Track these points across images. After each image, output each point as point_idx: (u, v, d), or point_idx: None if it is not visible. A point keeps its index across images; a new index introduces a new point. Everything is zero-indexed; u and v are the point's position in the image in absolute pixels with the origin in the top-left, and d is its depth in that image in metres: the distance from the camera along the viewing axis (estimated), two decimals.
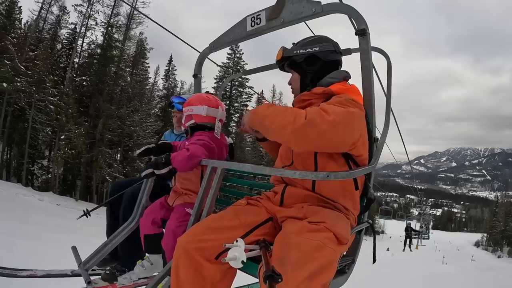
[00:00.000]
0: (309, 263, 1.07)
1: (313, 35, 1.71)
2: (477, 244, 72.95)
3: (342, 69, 1.66)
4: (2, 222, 6.74)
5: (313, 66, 1.59)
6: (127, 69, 26.54)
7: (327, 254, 1.13)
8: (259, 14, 1.87)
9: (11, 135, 19.73)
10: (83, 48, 25.10)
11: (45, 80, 19.16)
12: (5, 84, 17.10)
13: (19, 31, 20.04)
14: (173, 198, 2.11)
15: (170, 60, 32.48)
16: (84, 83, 23.85)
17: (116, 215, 2.29)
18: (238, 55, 31.98)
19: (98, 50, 24.77)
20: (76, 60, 25.18)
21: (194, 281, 1.24)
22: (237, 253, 1.07)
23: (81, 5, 24.37)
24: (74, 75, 24.31)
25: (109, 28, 24.97)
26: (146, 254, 2.07)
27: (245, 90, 31.89)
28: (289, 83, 1.70)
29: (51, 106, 19.27)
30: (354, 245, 1.58)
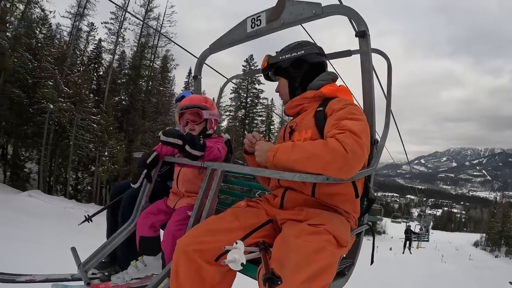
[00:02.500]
0: (309, 265, 1.06)
1: (296, 41, 1.70)
2: (476, 244, 73.37)
3: (329, 70, 1.66)
4: (67, 237, 6.77)
5: (300, 69, 1.60)
6: (160, 88, 27.64)
7: (327, 257, 1.13)
8: (259, 16, 1.86)
9: (54, 151, 20.42)
10: (114, 66, 25.73)
11: (86, 99, 19.94)
12: (51, 106, 17.80)
13: (53, 50, 20.48)
14: (174, 200, 2.10)
15: (190, 72, 32.59)
16: (124, 102, 24.90)
17: (116, 216, 2.29)
18: (253, 68, 31.98)
19: (127, 71, 25.89)
20: (100, 73, 26.01)
21: (193, 283, 1.24)
22: (237, 255, 1.07)
23: (111, 23, 24.97)
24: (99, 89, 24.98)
25: (141, 48, 26.04)
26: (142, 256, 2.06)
27: (259, 100, 32.52)
28: (277, 91, 1.70)
29: (94, 125, 20.10)
30: (354, 247, 1.58)
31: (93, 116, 20.06)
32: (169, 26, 26.75)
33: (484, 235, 71.36)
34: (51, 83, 18.07)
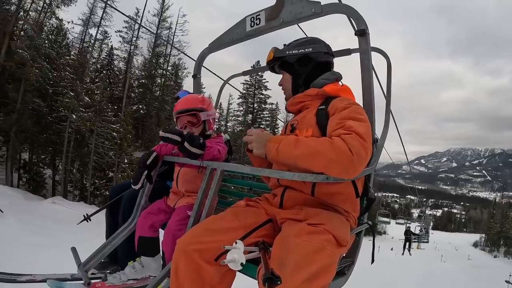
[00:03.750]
0: (308, 265, 1.06)
1: (305, 36, 1.70)
2: (475, 245, 73.72)
3: (334, 70, 1.65)
4: (96, 242, 6.89)
5: (306, 67, 1.58)
6: (175, 97, 28.30)
7: (327, 256, 1.12)
8: (259, 15, 1.86)
9: (73, 160, 21.19)
10: (129, 74, 26.29)
11: (105, 108, 20.68)
12: (74, 116, 18.60)
13: (68, 58, 21.03)
14: (174, 200, 2.10)
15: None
16: (141, 111, 25.60)
17: (115, 216, 2.28)
18: (259, 74, 32.48)
19: (144, 80, 26.51)
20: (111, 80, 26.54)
21: (193, 282, 1.23)
22: (236, 255, 1.07)
23: (125, 32, 25.63)
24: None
25: (155, 58, 26.93)
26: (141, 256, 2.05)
27: (266, 106, 33.21)
28: (280, 84, 1.68)
29: (114, 133, 20.76)
30: (353, 247, 1.57)
31: (112, 124, 20.75)
32: (182, 35, 27.67)
33: (483, 235, 71.61)
34: (72, 93, 18.68)
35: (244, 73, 2.55)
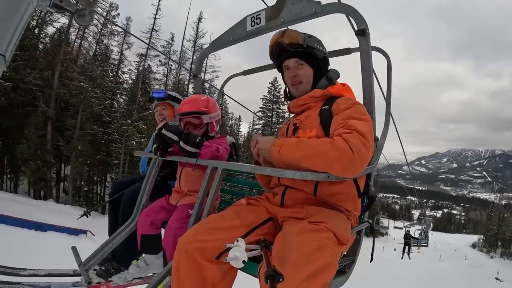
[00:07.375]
0: (309, 263, 1.06)
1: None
2: (473, 246, 73.99)
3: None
4: None
5: (325, 66, 1.60)
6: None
7: (327, 254, 1.12)
8: (259, 14, 1.86)
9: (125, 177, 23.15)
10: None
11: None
12: (134, 142, 20.62)
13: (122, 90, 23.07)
14: (176, 198, 2.10)
15: (222, 95, 33.72)
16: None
17: (117, 213, 2.29)
18: (278, 90, 33.35)
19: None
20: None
21: (194, 281, 1.23)
22: (238, 253, 1.07)
23: (165, 58, 27.17)
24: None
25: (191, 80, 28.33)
26: (142, 254, 2.06)
27: (284, 120, 33.92)
28: (295, 75, 1.55)
29: None
30: (354, 245, 1.57)
31: None
32: (214, 59, 29.35)
33: (481, 236, 71.84)
34: (129, 121, 20.60)
35: (245, 73, 2.55)
